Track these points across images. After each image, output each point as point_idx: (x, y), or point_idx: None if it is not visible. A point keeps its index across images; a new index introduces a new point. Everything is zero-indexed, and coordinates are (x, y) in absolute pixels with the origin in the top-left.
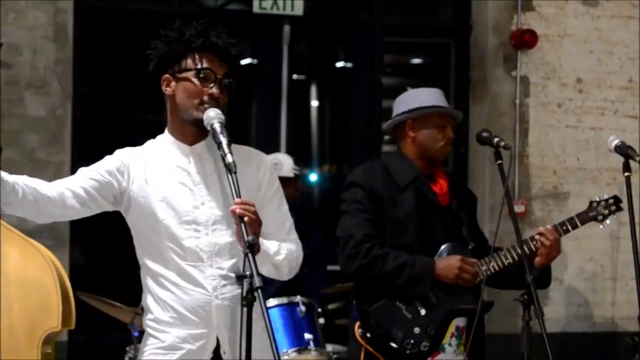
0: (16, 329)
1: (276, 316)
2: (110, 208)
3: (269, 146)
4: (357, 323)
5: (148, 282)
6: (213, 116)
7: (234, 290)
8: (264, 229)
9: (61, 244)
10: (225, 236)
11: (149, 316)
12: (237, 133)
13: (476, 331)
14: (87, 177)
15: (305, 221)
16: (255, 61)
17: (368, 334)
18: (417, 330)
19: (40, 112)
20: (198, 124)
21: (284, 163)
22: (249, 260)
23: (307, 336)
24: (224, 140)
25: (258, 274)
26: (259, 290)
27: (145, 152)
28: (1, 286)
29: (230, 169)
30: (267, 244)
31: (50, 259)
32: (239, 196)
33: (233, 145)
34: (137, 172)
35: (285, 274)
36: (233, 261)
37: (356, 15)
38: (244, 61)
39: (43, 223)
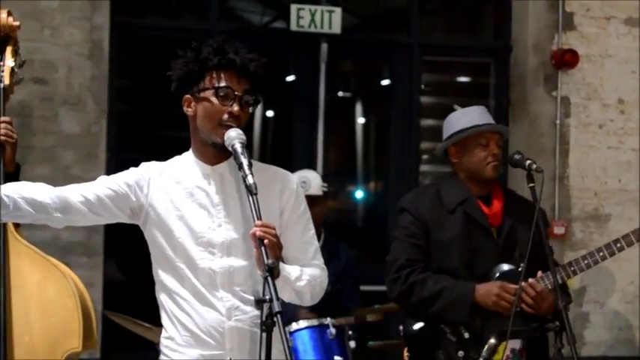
0: (37, 350)
1: (305, 337)
2: (127, 220)
3: (307, 163)
4: (406, 348)
5: (163, 299)
6: (234, 136)
7: (248, 313)
8: (288, 254)
9: (95, 260)
10: (240, 259)
11: (164, 334)
12: (278, 150)
13: (539, 353)
14: (104, 185)
15: (335, 240)
16: (293, 79)
17: (415, 358)
18: (460, 354)
19: (75, 128)
20: (218, 147)
21: (312, 181)
22: (268, 284)
23: (337, 358)
24: (245, 161)
25: (278, 299)
26: (279, 315)
27: (168, 168)
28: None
29: (250, 190)
30: (289, 270)
31: (71, 278)
32: (259, 218)
33: (260, 165)
34: (157, 188)
35: (308, 300)
36: (248, 284)
37: (394, 34)
38: (284, 79)
39: (58, 227)
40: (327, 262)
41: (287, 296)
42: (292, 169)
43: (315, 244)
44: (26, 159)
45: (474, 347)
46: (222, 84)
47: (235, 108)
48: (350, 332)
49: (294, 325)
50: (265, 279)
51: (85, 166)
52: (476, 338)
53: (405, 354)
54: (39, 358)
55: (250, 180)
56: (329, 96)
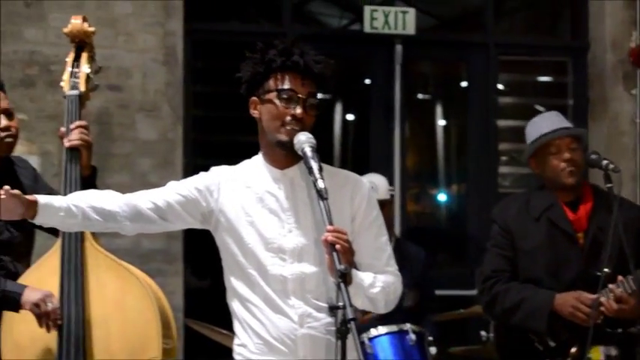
0: (117, 358)
1: (385, 344)
2: (198, 226)
3: (384, 166)
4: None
5: (235, 306)
6: (303, 140)
7: (320, 319)
8: (361, 260)
9: (175, 268)
10: (312, 265)
11: (236, 341)
12: (358, 154)
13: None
14: (174, 191)
15: (406, 242)
16: (369, 81)
17: None
18: None
19: (151, 135)
20: (284, 146)
21: (379, 185)
22: (341, 291)
23: None
24: (315, 165)
25: (351, 305)
26: (352, 322)
27: (238, 173)
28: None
29: (321, 195)
30: (362, 276)
31: (149, 285)
32: (331, 224)
33: (331, 169)
34: (227, 193)
35: (382, 307)
36: (320, 291)
37: (469, 33)
38: (363, 82)
39: (129, 234)
40: (401, 266)
41: (360, 303)
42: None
43: (388, 251)
44: (105, 166)
45: (561, 356)
46: (286, 86)
47: (298, 111)
48: (430, 338)
49: (374, 332)
50: (338, 285)
51: (162, 173)
52: (562, 347)
53: None
54: None
55: (321, 184)
56: (405, 98)
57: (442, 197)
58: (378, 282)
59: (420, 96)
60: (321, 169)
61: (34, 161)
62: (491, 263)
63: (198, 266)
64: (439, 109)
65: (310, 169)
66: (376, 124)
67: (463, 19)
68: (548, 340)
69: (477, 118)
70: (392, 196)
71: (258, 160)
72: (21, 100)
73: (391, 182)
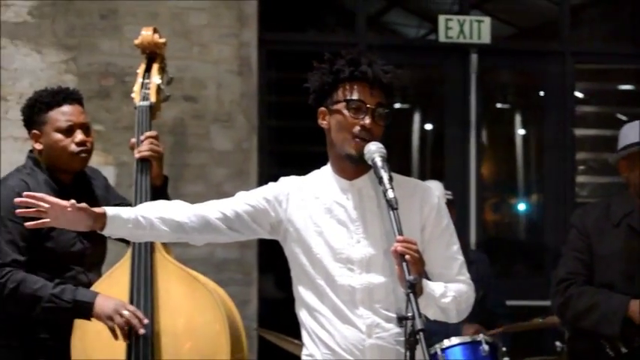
0: None
1: (458, 354)
2: (267, 236)
3: (459, 175)
4: None
5: (303, 316)
6: (374, 150)
7: (389, 330)
8: (432, 270)
9: (249, 278)
10: (380, 276)
11: (305, 351)
12: (433, 163)
13: None
14: (242, 201)
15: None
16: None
17: None
18: None
19: (226, 145)
20: (352, 160)
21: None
22: (410, 301)
23: None
24: (385, 175)
25: (420, 316)
26: (421, 333)
27: (307, 183)
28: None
29: (391, 205)
30: (433, 287)
31: (219, 295)
32: (401, 234)
33: (401, 178)
34: (296, 203)
35: (453, 317)
36: (388, 301)
37: (545, 42)
38: (439, 91)
39: (197, 245)
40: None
41: (431, 313)
42: (444, 182)
43: (460, 259)
44: (180, 176)
45: None
46: (354, 96)
47: (367, 121)
48: (504, 349)
49: (446, 342)
50: (407, 295)
51: (236, 183)
52: (635, 353)
53: None
54: None
55: (391, 194)
56: (481, 107)
57: (521, 207)
58: (450, 292)
59: (498, 105)
60: (391, 179)
61: (110, 172)
62: (567, 266)
63: (273, 276)
64: (518, 118)
65: (380, 179)
66: (451, 134)
67: (539, 27)
68: (620, 346)
69: (554, 127)
70: (448, 200)
71: (326, 171)
72: (97, 112)
73: (466, 192)
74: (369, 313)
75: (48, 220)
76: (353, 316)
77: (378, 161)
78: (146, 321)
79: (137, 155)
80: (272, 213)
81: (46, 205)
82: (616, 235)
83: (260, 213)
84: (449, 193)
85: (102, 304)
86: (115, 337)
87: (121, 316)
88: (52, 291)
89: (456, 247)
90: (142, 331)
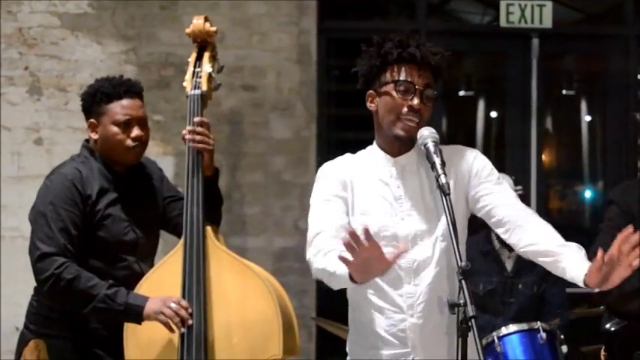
0: (238, 356)
1: (515, 343)
2: None
3: (520, 162)
4: (603, 347)
5: (350, 296)
6: (426, 135)
7: (432, 311)
8: (501, 214)
9: (308, 267)
10: (425, 253)
11: (350, 336)
12: (490, 149)
13: None
14: (342, 218)
15: None
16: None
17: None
18: None
19: (285, 134)
20: (401, 140)
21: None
22: (462, 288)
23: None
24: (437, 160)
25: (472, 302)
26: (473, 320)
27: (351, 163)
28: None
29: (444, 190)
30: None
31: (270, 283)
32: (453, 220)
33: (444, 147)
34: (349, 187)
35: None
36: (433, 279)
37: (607, 26)
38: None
39: None
40: (531, 263)
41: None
42: (505, 171)
43: (514, 192)
44: (239, 165)
45: None
46: (402, 77)
47: (415, 102)
48: (562, 336)
49: (504, 330)
50: (459, 282)
51: (295, 172)
52: None
53: (603, 354)
54: None
55: (443, 179)
56: (542, 93)
57: (587, 194)
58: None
59: (564, 92)
60: (443, 164)
61: (169, 162)
62: (608, 245)
63: None
64: (584, 105)
65: (433, 165)
66: (513, 120)
67: (603, 12)
68: None
69: (617, 111)
70: (520, 196)
71: (372, 150)
72: (156, 102)
73: (527, 179)
74: (413, 291)
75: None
76: (395, 295)
77: (431, 146)
78: (190, 310)
79: (190, 143)
80: (348, 203)
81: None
82: None
83: (345, 204)
84: (519, 188)
85: (150, 305)
86: (170, 330)
87: (170, 308)
88: (106, 292)
89: (506, 186)
90: (189, 322)
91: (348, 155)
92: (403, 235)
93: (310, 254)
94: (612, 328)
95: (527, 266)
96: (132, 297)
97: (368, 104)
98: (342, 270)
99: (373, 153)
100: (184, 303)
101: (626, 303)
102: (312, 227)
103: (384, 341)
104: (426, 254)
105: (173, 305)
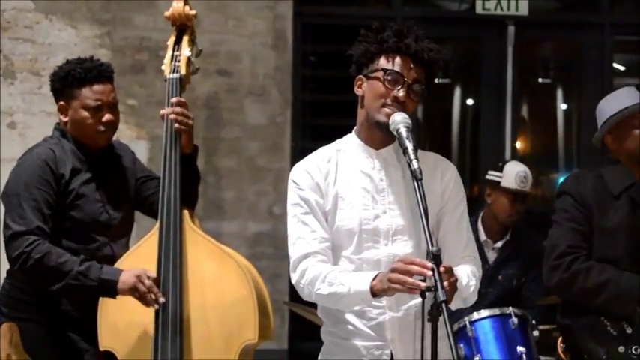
0: (213, 340)
1: (487, 327)
2: None
3: (495, 150)
4: (560, 338)
5: None
6: (399, 120)
7: (409, 302)
8: (443, 238)
9: (281, 252)
10: (405, 247)
11: (324, 327)
12: (465, 136)
13: None
14: (324, 232)
15: (524, 230)
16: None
17: (569, 350)
18: (621, 349)
19: (259, 119)
20: (381, 127)
21: (529, 177)
22: (433, 272)
23: (520, 349)
24: (410, 146)
25: (443, 287)
26: (443, 304)
27: (325, 158)
28: (197, 297)
29: (416, 175)
30: (460, 274)
31: (247, 269)
32: (424, 205)
33: (421, 153)
34: (325, 186)
35: (470, 303)
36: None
37: (583, 14)
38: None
39: None
40: (514, 256)
41: (454, 305)
42: (479, 157)
43: (469, 235)
44: (214, 150)
45: (636, 343)
46: (393, 67)
47: (401, 93)
48: (533, 321)
49: (475, 315)
50: (432, 270)
51: (270, 157)
52: (639, 333)
53: (559, 345)
54: (215, 349)
55: (415, 165)
56: (518, 80)
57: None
58: (472, 280)
59: (539, 80)
60: (416, 150)
61: (143, 146)
62: (567, 238)
63: None
64: (559, 92)
65: (405, 150)
66: (488, 108)
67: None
68: (624, 326)
69: (592, 99)
70: (523, 194)
71: (351, 140)
72: (130, 86)
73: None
74: None
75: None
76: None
77: (403, 132)
78: (162, 299)
79: (172, 119)
80: (323, 209)
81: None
82: (618, 208)
83: (323, 213)
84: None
85: (124, 279)
86: (145, 304)
87: (144, 284)
88: (78, 268)
89: (466, 221)
90: (161, 299)
91: (320, 150)
92: (384, 229)
93: (299, 279)
94: (570, 320)
95: (509, 259)
96: (105, 271)
97: (355, 89)
98: (359, 286)
99: (353, 144)
100: (155, 276)
101: (592, 296)
102: (296, 248)
103: (362, 334)
104: (406, 248)
105: (147, 282)
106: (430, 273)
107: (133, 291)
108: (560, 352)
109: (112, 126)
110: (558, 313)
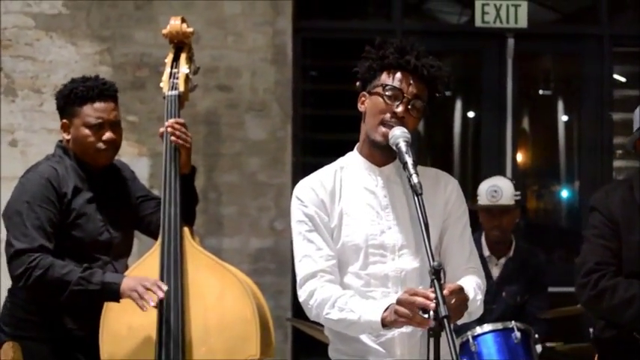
0: (215, 358)
1: (490, 342)
2: None
3: (495, 163)
4: (596, 356)
5: None
6: (398, 135)
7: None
8: (446, 251)
9: (284, 267)
10: (412, 262)
11: (332, 345)
12: (466, 149)
13: None
14: (330, 249)
15: (527, 247)
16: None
17: None
18: None
19: (260, 134)
20: (377, 146)
21: (504, 190)
22: (435, 287)
23: None
24: (409, 160)
25: (445, 302)
26: (446, 319)
27: (329, 176)
28: (199, 315)
29: (415, 190)
30: (466, 288)
31: (248, 285)
32: (425, 219)
33: (422, 168)
34: (330, 203)
35: (475, 317)
36: (420, 287)
37: (583, 26)
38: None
39: None
40: (517, 272)
41: (461, 319)
42: (480, 170)
43: (472, 247)
44: (215, 166)
45: None
46: (393, 83)
47: (399, 109)
48: (536, 336)
49: (478, 329)
50: (432, 281)
51: (271, 172)
52: None
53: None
54: None
55: (415, 179)
56: (518, 93)
57: (564, 194)
58: (478, 295)
59: (540, 92)
60: (415, 164)
61: (144, 163)
62: (595, 255)
63: None
64: (560, 105)
65: (405, 164)
66: (489, 120)
67: (577, 11)
68: None
69: (592, 111)
70: (517, 202)
71: (354, 158)
72: (131, 103)
73: None
74: None
75: None
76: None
77: (403, 146)
78: (165, 287)
79: (172, 138)
80: (329, 228)
81: None
82: None
83: (329, 230)
84: (518, 193)
85: (127, 282)
86: (142, 308)
87: (144, 286)
88: (81, 275)
89: (469, 234)
90: (160, 294)
91: (324, 168)
92: (390, 244)
93: (307, 299)
94: (604, 335)
95: (513, 275)
96: (108, 276)
97: (359, 105)
98: (370, 317)
99: (356, 160)
100: (160, 282)
101: (620, 313)
102: (303, 266)
103: (371, 351)
104: (413, 264)
105: (148, 283)
106: (433, 305)
107: (132, 292)
108: None
109: (114, 145)
110: (593, 329)
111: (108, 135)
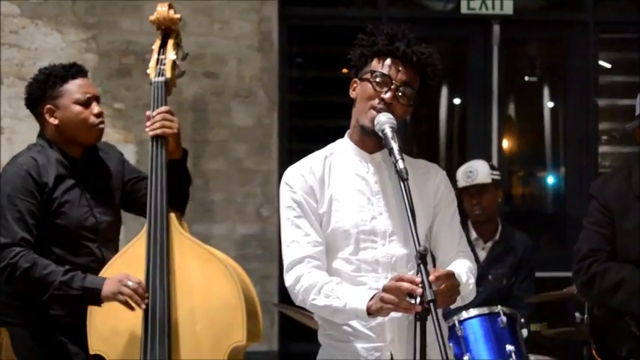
0: (202, 343)
1: (476, 326)
2: None
3: (482, 149)
4: (593, 339)
5: None
6: (384, 121)
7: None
8: (436, 238)
9: (270, 253)
10: (402, 248)
11: (321, 331)
12: (452, 136)
13: None
14: (318, 236)
15: (512, 231)
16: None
17: (600, 350)
18: None
19: (246, 121)
20: (366, 131)
21: (479, 169)
22: (420, 271)
23: (509, 347)
24: (395, 146)
25: (431, 287)
26: (432, 303)
27: (319, 161)
28: (185, 300)
29: (401, 175)
30: (459, 272)
31: (234, 270)
32: (411, 203)
33: (413, 160)
34: (319, 189)
35: (468, 301)
36: (409, 273)
37: (568, 12)
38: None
39: None
40: (504, 255)
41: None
42: (466, 157)
43: (461, 233)
44: (201, 153)
45: None
46: (382, 69)
47: (387, 95)
48: (522, 320)
49: (464, 314)
50: (418, 266)
51: (257, 159)
52: None
53: (592, 346)
54: (203, 351)
55: (401, 165)
56: (504, 79)
57: (550, 180)
58: (470, 279)
59: (526, 78)
60: (401, 150)
61: (131, 150)
62: (589, 242)
63: None
64: (546, 91)
65: (390, 150)
66: (474, 107)
67: None
68: None
69: (577, 97)
70: (494, 180)
71: (345, 144)
72: (117, 90)
73: None
74: None
75: None
76: (374, 290)
77: (389, 132)
78: (146, 295)
79: (149, 132)
80: (318, 214)
81: None
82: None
83: (317, 216)
84: (496, 173)
85: (107, 286)
86: (130, 308)
87: (127, 286)
88: (61, 278)
89: (457, 221)
90: (142, 306)
91: (314, 153)
92: (381, 230)
93: (293, 285)
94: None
95: (499, 259)
96: (88, 280)
97: (350, 91)
98: (356, 304)
99: (346, 147)
100: (140, 280)
101: (610, 297)
102: (290, 251)
103: (362, 335)
104: (403, 249)
105: (130, 284)
106: (420, 290)
107: (117, 295)
108: (594, 353)
109: (102, 119)
110: (589, 314)
111: (98, 109)
